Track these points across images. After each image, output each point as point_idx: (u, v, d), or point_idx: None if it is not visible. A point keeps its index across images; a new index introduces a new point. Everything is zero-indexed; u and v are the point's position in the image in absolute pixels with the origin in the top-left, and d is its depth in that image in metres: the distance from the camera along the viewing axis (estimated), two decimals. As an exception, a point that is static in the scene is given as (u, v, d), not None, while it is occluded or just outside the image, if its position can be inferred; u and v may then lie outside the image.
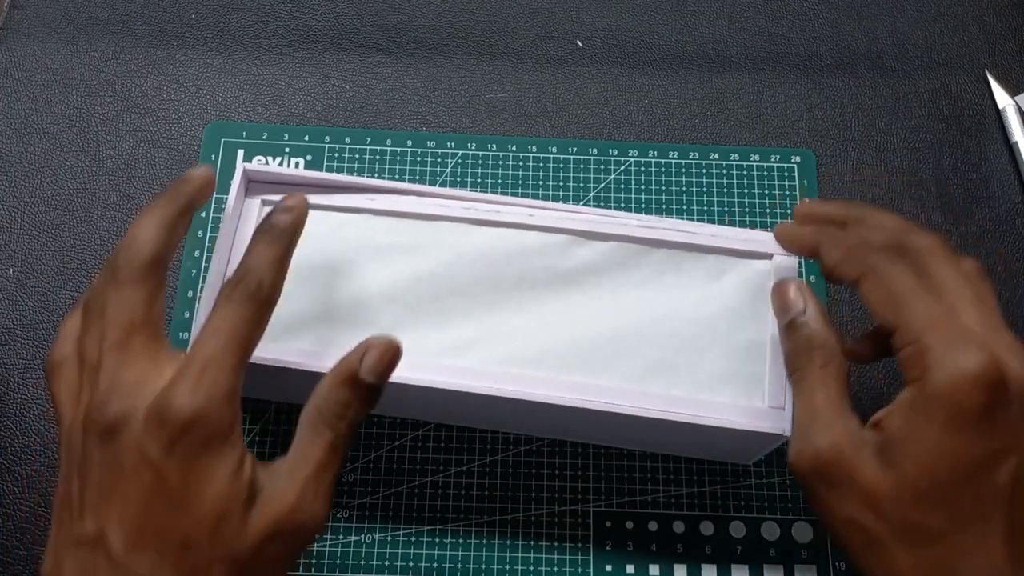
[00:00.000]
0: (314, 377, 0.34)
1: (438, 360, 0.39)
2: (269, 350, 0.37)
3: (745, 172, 0.50)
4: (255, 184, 0.41)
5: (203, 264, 0.47)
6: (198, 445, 0.31)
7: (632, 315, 0.40)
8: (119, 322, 0.32)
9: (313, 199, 0.40)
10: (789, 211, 0.49)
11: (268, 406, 0.44)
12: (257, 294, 0.33)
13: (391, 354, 0.34)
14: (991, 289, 0.34)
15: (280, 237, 0.34)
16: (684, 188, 0.50)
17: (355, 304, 0.40)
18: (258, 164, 0.40)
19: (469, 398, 0.38)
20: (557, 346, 0.39)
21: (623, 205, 0.49)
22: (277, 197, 0.39)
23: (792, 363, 0.36)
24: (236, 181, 0.40)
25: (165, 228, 0.34)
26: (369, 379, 0.33)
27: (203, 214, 0.48)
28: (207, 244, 0.48)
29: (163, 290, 0.34)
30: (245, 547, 0.31)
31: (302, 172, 0.41)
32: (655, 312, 0.40)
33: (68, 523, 0.32)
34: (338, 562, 0.42)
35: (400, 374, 0.37)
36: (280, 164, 0.50)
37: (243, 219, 0.41)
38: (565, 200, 0.49)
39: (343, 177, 0.41)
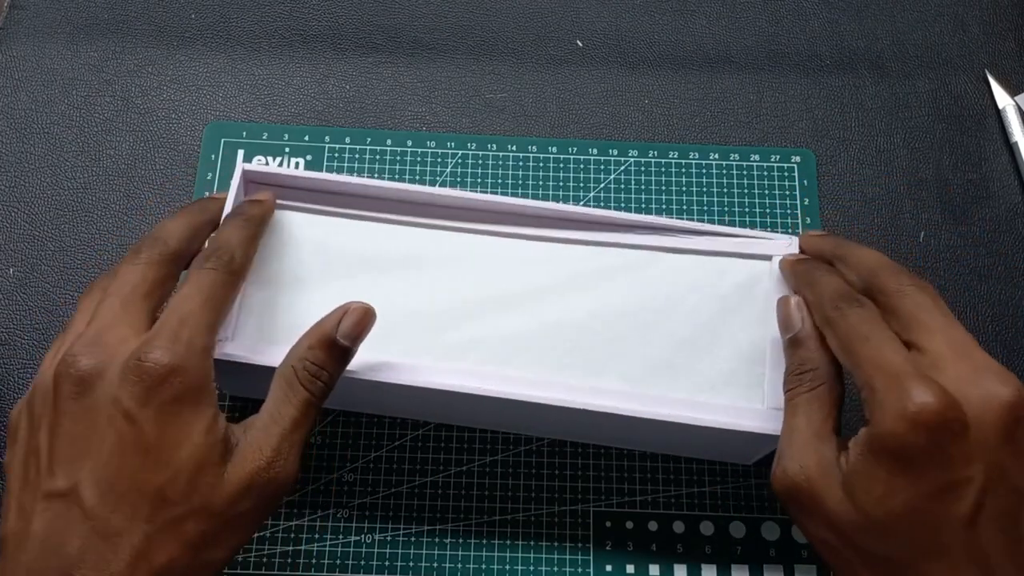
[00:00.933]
0: None
1: (438, 362, 0.39)
2: (269, 353, 0.37)
3: (745, 172, 0.50)
4: (254, 185, 0.41)
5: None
6: (175, 398, 0.31)
7: (632, 317, 0.40)
8: (120, 289, 0.34)
9: (310, 204, 0.41)
10: (789, 211, 0.49)
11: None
12: (230, 264, 0.35)
13: (367, 319, 0.36)
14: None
15: (249, 221, 0.37)
16: (684, 188, 0.50)
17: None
18: (258, 164, 0.40)
19: (469, 399, 0.38)
20: (557, 348, 0.40)
21: (623, 205, 0.49)
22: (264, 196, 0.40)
23: (786, 381, 0.36)
24: (235, 181, 0.40)
25: (190, 229, 0.37)
26: (345, 343, 0.35)
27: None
28: (206, 244, 0.47)
29: (172, 283, 0.35)
30: (220, 500, 0.31)
31: (302, 173, 0.41)
32: (655, 314, 0.40)
33: (35, 479, 0.31)
34: (338, 562, 0.42)
35: (401, 376, 0.37)
36: (280, 164, 0.50)
37: None
38: (565, 200, 0.49)
39: (342, 178, 0.41)
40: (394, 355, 0.39)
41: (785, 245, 0.41)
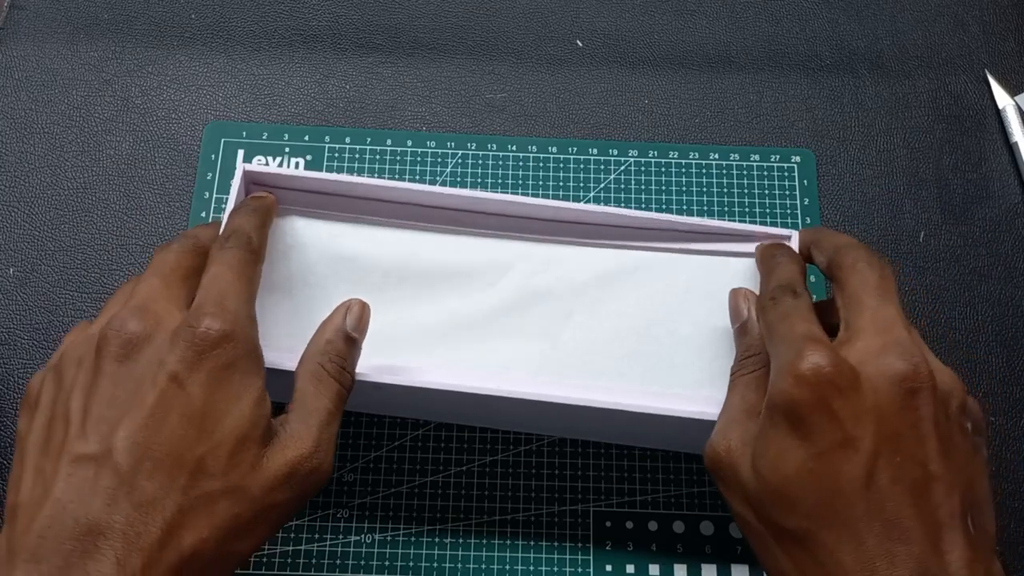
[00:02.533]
0: None
1: (437, 364, 0.39)
2: (275, 357, 0.37)
3: (745, 172, 0.50)
4: (256, 186, 0.41)
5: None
6: (228, 364, 0.30)
7: (630, 317, 0.40)
8: (159, 270, 0.34)
9: (313, 208, 0.41)
10: (789, 211, 0.49)
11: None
12: (249, 243, 0.35)
13: (367, 313, 0.37)
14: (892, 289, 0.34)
15: (256, 210, 0.37)
16: (684, 188, 0.50)
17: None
18: (258, 165, 0.40)
19: (471, 399, 0.38)
20: (557, 349, 0.40)
21: (623, 205, 0.49)
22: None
23: (733, 368, 0.37)
24: (236, 181, 0.40)
25: (217, 230, 0.37)
26: (354, 334, 0.36)
27: (203, 214, 0.48)
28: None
29: (258, 281, 0.36)
30: (259, 484, 0.30)
31: (302, 173, 0.41)
32: (654, 313, 0.40)
33: (61, 444, 0.30)
34: (338, 562, 0.42)
35: (402, 377, 0.37)
36: (280, 164, 0.50)
37: None
38: (565, 200, 0.49)
39: (343, 177, 0.41)
40: (395, 357, 0.39)
41: (784, 240, 0.41)
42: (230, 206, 0.39)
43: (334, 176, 0.41)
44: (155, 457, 0.29)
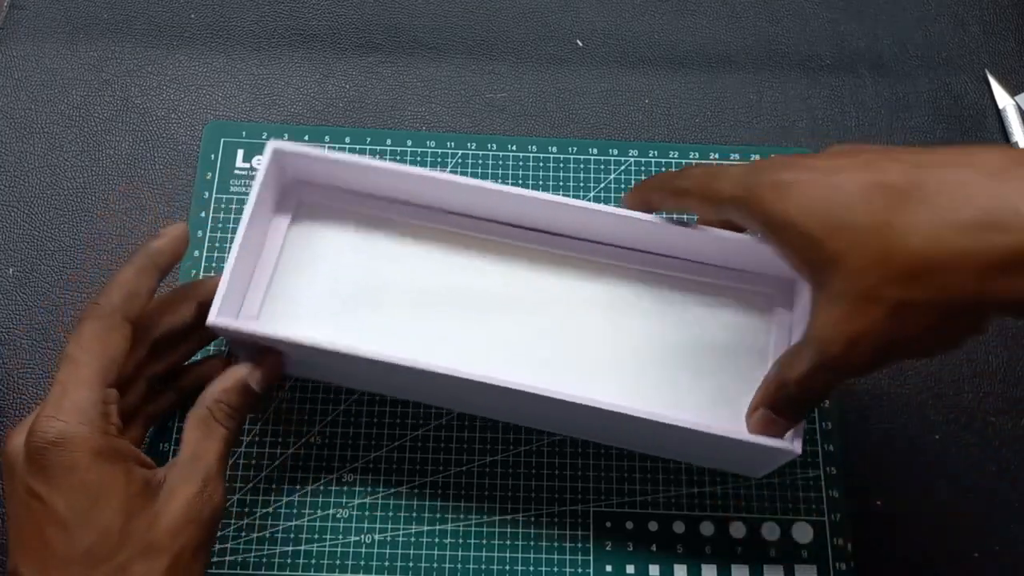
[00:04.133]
0: (336, 357, 0.38)
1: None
2: (288, 329, 0.39)
3: (745, 172, 0.50)
4: (284, 155, 0.42)
5: (203, 264, 0.47)
6: (70, 466, 0.32)
7: (652, 337, 0.42)
8: (62, 368, 0.35)
9: (336, 201, 0.44)
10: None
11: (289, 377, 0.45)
12: (115, 312, 0.36)
13: (278, 369, 0.40)
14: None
15: (147, 259, 0.37)
16: (684, 188, 0.50)
17: (374, 305, 0.43)
18: (288, 143, 0.41)
19: (487, 390, 0.38)
20: (581, 364, 0.42)
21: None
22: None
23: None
24: (265, 158, 0.41)
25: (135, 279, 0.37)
26: (257, 389, 0.38)
27: (202, 213, 0.48)
28: (206, 244, 0.47)
29: (128, 343, 0.36)
30: (161, 534, 0.33)
31: (329, 154, 0.42)
32: (676, 334, 0.42)
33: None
34: (338, 562, 0.42)
35: (422, 363, 0.38)
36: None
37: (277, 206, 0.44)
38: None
39: (369, 161, 0.42)
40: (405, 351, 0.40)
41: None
42: (258, 185, 0.40)
43: (362, 159, 0.42)
44: (50, 568, 0.32)
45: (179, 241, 0.38)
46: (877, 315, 0.29)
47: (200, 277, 0.47)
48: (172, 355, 0.41)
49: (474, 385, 0.38)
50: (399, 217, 0.44)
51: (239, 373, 0.38)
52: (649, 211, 0.40)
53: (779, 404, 0.35)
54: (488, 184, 0.41)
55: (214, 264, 0.47)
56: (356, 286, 0.43)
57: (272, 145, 0.41)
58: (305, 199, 0.44)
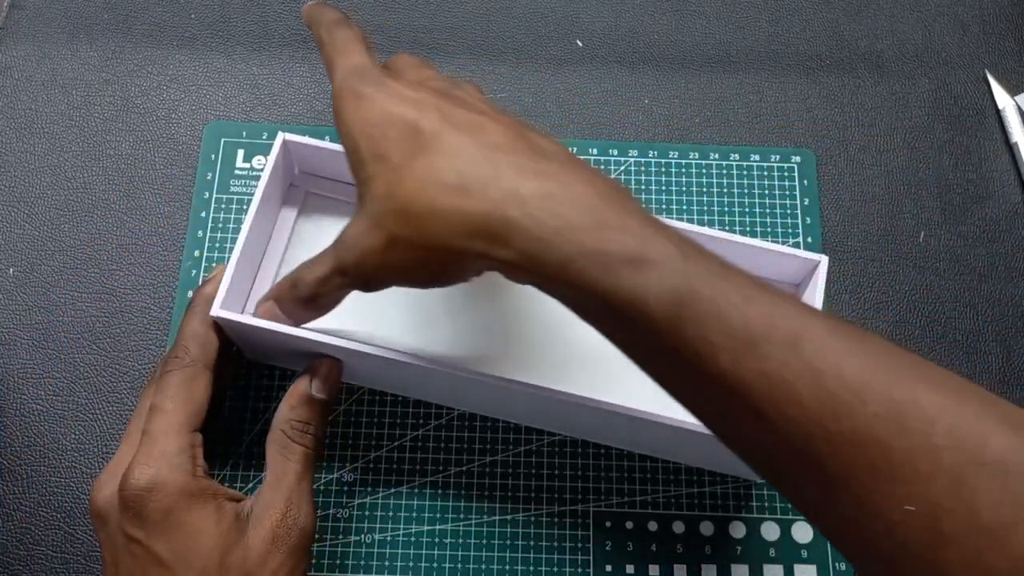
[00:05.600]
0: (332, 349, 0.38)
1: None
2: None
3: (745, 172, 0.50)
4: (295, 153, 0.42)
5: (203, 264, 0.47)
6: (166, 511, 0.34)
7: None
8: (150, 418, 0.36)
9: (340, 194, 0.44)
10: (789, 211, 0.49)
11: (293, 374, 0.44)
12: (196, 362, 0.38)
13: (335, 370, 0.39)
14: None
15: (207, 306, 0.39)
16: (684, 188, 0.50)
17: (380, 300, 0.42)
18: (298, 136, 0.42)
19: (495, 389, 0.39)
20: (583, 363, 0.42)
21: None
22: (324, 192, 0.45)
23: None
24: (275, 150, 0.41)
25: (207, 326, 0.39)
26: (320, 396, 0.38)
27: (203, 214, 0.48)
28: (207, 244, 0.47)
29: (210, 390, 0.38)
30: (253, 562, 0.34)
31: (339, 146, 0.42)
32: None
33: None
34: (338, 562, 0.42)
35: (433, 362, 0.38)
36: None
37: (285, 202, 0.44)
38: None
39: None
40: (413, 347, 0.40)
41: (812, 265, 0.41)
42: (265, 177, 0.41)
43: None
44: None
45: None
46: (379, 239, 0.31)
47: (201, 277, 0.47)
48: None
49: (479, 383, 0.38)
50: None
51: (300, 387, 0.38)
52: None
53: (287, 299, 0.37)
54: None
55: (214, 264, 0.47)
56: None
57: (282, 136, 0.41)
58: (312, 192, 0.44)
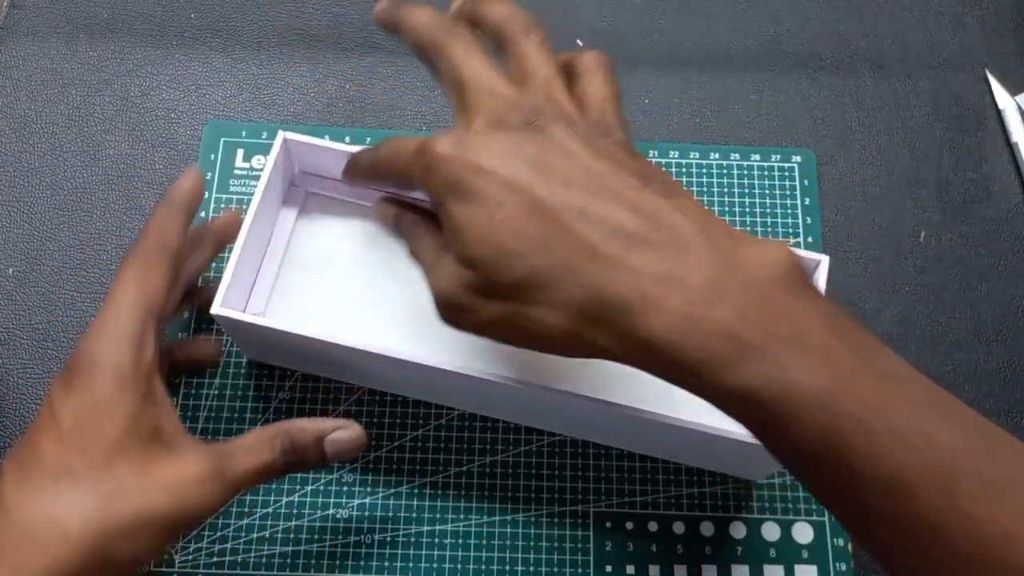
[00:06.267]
0: (329, 347, 0.38)
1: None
2: (293, 324, 0.39)
3: (745, 172, 0.50)
4: (293, 146, 0.42)
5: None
6: (90, 385, 0.33)
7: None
8: (106, 302, 0.36)
9: (340, 194, 0.45)
10: (789, 211, 0.49)
11: (293, 374, 0.44)
12: (150, 253, 0.36)
13: (358, 441, 0.37)
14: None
15: (173, 203, 0.38)
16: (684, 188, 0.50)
17: (381, 300, 0.43)
18: (298, 135, 0.42)
19: (497, 388, 0.38)
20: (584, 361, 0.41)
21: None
22: (325, 193, 0.45)
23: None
24: (275, 148, 0.41)
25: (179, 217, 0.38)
26: (328, 450, 0.36)
27: (202, 213, 0.48)
28: (207, 244, 0.47)
29: (166, 280, 0.37)
30: (135, 489, 0.32)
31: (337, 145, 0.42)
32: None
33: None
34: (338, 562, 0.42)
35: (431, 361, 0.38)
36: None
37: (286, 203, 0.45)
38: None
39: None
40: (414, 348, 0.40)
41: (812, 265, 0.40)
42: (266, 176, 0.41)
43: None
44: (30, 478, 0.32)
45: (198, 181, 0.39)
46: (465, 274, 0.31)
47: (201, 277, 0.47)
48: (194, 299, 0.42)
49: (482, 383, 0.38)
50: None
51: (325, 426, 0.36)
52: (369, 185, 0.40)
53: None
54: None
55: (215, 264, 0.47)
56: (364, 280, 0.43)
57: (283, 135, 0.41)
58: (312, 192, 0.45)
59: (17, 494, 0.32)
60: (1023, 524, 0.25)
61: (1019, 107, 0.52)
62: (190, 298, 0.43)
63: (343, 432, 0.37)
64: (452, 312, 0.32)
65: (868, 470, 0.26)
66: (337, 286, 0.44)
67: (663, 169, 0.31)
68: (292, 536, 0.42)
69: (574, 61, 0.34)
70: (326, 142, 0.42)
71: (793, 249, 0.29)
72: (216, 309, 0.38)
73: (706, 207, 0.31)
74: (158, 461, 0.33)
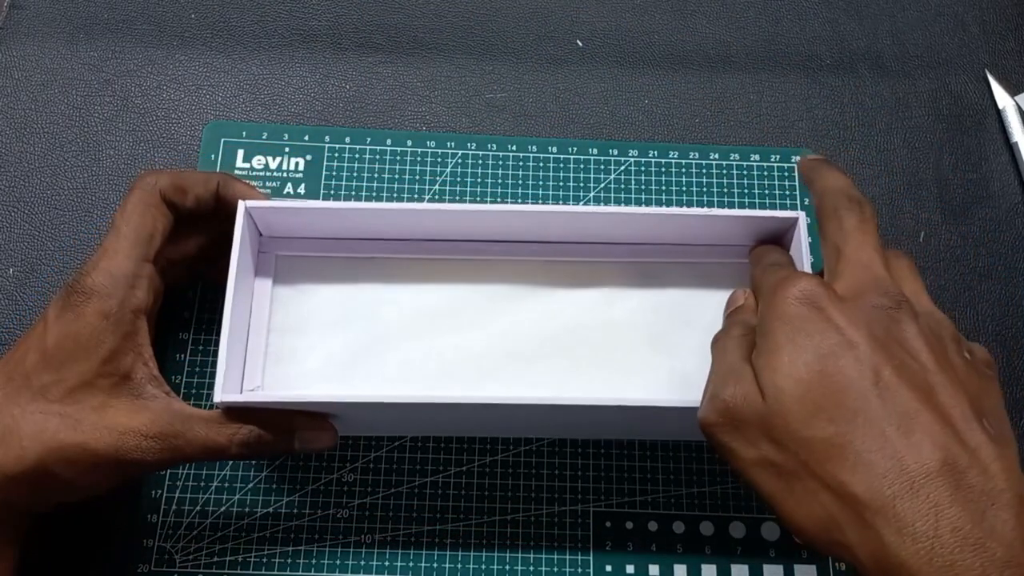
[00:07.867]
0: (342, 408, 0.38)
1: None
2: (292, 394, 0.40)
3: (745, 172, 0.50)
4: (259, 219, 0.41)
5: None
6: (79, 315, 0.35)
7: (654, 336, 0.42)
8: (110, 233, 0.38)
9: (316, 252, 0.43)
10: (789, 211, 0.49)
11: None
12: (155, 190, 0.39)
13: (321, 442, 0.39)
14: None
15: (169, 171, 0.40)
16: (684, 188, 0.50)
17: (374, 347, 0.42)
18: (259, 202, 0.40)
19: (478, 409, 0.39)
20: (569, 364, 0.42)
21: (623, 205, 0.49)
22: (295, 254, 0.44)
23: (717, 335, 0.36)
24: (240, 218, 0.40)
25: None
26: (301, 447, 0.39)
27: (203, 214, 0.48)
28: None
29: (162, 220, 0.39)
30: (91, 423, 0.35)
31: (299, 204, 0.42)
32: (680, 332, 0.42)
33: None
34: (338, 562, 0.42)
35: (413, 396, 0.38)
36: (280, 164, 0.49)
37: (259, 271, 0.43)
38: (565, 200, 0.49)
39: (340, 205, 0.42)
40: (409, 390, 0.41)
41: (790, 223, 0.41)
42: (236, 251, 0.39)
43: (331, 204, 0.43)
44: (13, 383, 0.35)
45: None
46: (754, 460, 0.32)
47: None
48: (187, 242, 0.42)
49: (489, 407, 0.38)
50: (380, 253, 0.43)
51: (298, 422, 0.38)
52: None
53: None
54: (458, 207, 0.41)
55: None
56: (352, 332, 0.42)
57: (243, 204, 0.40)
58: (282, 255, 0.43)
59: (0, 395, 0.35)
60: None
61: (1019, 107, 0.52)
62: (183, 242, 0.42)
63: (314, 433, 0.39)
64: (720, 430, 0.33)
65: None
66: (328, 343, 0.42)
67: (1003, 409, 0.32)
68: (292, 536, 0.42)
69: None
70: (286, 203, 0.41)
71: None
72: (218, 398, 0.37)
73: None
74: (116, 405, 0.35)
